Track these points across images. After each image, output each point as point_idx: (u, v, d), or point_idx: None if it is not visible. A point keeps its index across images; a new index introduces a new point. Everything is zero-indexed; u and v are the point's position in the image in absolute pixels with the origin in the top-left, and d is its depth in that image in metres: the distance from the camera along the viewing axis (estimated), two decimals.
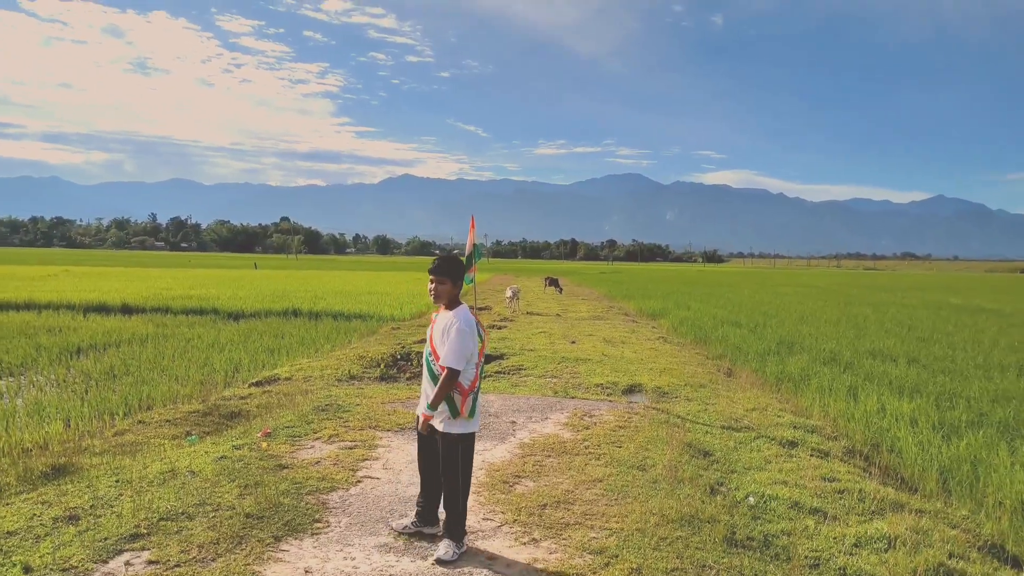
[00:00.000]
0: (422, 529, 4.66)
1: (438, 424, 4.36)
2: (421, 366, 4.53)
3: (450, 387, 4.27)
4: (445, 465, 4.40)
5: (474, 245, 10.15)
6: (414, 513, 4.74)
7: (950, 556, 4.64)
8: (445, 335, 4.32)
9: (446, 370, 4.25)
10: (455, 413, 4.34)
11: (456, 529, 4.42)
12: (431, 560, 4.27)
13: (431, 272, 4.44)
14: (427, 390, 4.45)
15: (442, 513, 4.55)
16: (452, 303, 4.45)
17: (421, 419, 4.46)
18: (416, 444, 4.71)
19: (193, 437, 7.28)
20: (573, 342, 15.70)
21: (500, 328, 18.39)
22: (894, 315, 25.02)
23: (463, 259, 10.45)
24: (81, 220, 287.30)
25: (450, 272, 4.41)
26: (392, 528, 4.67)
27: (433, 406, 4.34)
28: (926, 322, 22.24)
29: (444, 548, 4.34)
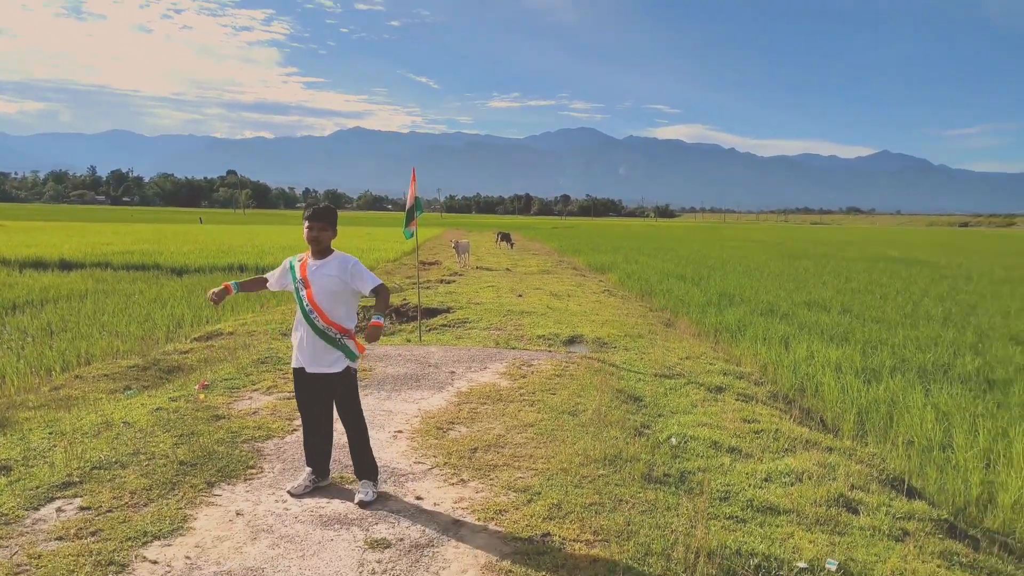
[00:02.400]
0: (319, 483, 4.68)
1: (337, 367, 4.43)
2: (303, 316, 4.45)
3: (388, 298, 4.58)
4: (350, 406, 4.54)
5: (415, 198, 10.15)
6: (307, 472, 4.65)
7: (851, 488, 4.98)
8: (347, 276, 4.42)
9: (381, 285, 4.46)
10: (353, 356, 4.51)
11: (372, 468, 4.63)
12: (357, 500, 4.43)
13: (313, 219, 4.45)
14: (309, 343, 4.42)
15: (334, 463, 4.79)
16: (327, 251, 4.53)
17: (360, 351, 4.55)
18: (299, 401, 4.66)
19: (132, 391, 7.28)
20: (520, 295, 15.89)
21: (449, 283, 18.49)
22: (833, 268, 25.81)
23: (405, 213, 10.45)
24: (16, 173, 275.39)
25: (332, 219, 4.53)
26: (290, 492, 4.53)
27: (381, 312, 4.43)
28: (863, 274, 23.02)
29: (367, 490, 4.50)
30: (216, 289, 4.64)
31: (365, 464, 4.61)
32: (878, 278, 22.04)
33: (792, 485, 4.99)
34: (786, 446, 5.88)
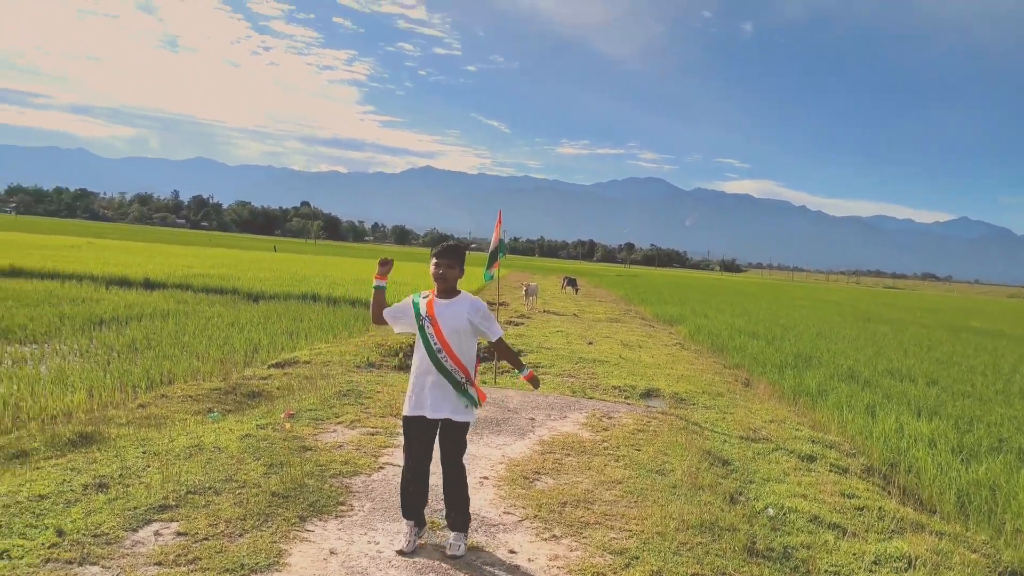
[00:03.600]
0: (421, 534, 4.46)
1: (458, 416, 4.30)
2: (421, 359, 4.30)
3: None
4: (458, 457, 4.36)
5: (499, 241, 10.17)
6: (409, 526, 4.39)
7: None
8: (477, 319, 4.30)
9: (502, 338, 4.43)
10: (476, 403, 4.38)
11: (467, 521, 4.42)
12: (449, 554, 4.25)
13: (441, 255, 4.30)
14: (433, 388, 4.25)
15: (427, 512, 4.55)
16: (454, 291, 4.38)
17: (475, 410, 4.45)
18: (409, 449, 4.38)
19: (215, 414, 7.37)
20: (590, 343, 15.71)
21: (517, 325, 18.43)
22: (913, 335, 24.83)
23: (487, 254, 10.47)
24: (105, 193, 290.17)
25: (460, 257, 4.38)
26: (400, 552, 4.26)
27: (521, 366, 4.57)
28: (946, 344, 22.05)
29: (459, 543, 4.31)
30: (386, 259, 4.50)
31: (462, 515, 4.39)
32: (962, 349, 21.08)
33: (906, 571, 4.66)
34: (892, 527, 5.53)
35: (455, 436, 4.33)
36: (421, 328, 4.31)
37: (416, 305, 4.38)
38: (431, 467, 4.42)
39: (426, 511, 4.60)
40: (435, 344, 4.25)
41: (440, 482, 4.47)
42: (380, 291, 4.44)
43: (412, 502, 4.36)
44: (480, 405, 4.44)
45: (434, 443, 4.37)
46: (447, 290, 4.37)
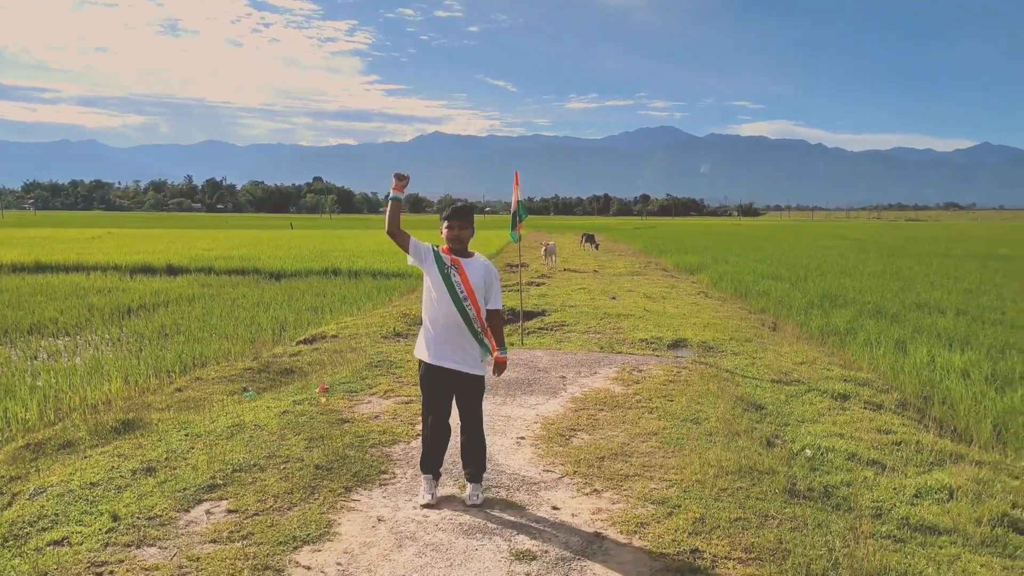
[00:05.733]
0: (437, 485, 4.63)
1: (475, 370, 4.43)
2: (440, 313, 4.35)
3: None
4: (477, 410, 4.54)
5: (518, 202, 10.12)
6: (428, 479, 4.56)
7: (1013, 506, 4.62)
8: (491, 279, 4.45)
9: (500, 310, 4.48)
10: (490, 351, 4.54)
11: (483, 471, 4.63)
12: (469, 504, 4.45)
13: (453, 217, 4.37)
14: (446, 336, 4.35)
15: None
16: (468, 251, 4.48)
17: (492, 360, 4.56)
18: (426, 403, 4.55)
19: (250, 393, 7.48)
20: (613, 298, 15.70)
21: (539, 285, 18.44)
22: (939, 267, 24.54)
23: (509, 216, 10.44)
24: (119, 183, 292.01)
25: (471, 217, 4.47)
26: (424, 505, 4.43)
27: (502, 345, 4.57)
28: (973, 274, 21.77)
29: (477, 492, 4.52)
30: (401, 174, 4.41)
31: (480, 468, 4.59)
32: (990, 277, 20.81)
33: (947, 501, 4.68)
34: (931, 459, 5.53)
35: (474, 389, 4.49)
36: (447, 276, 4.35)
37: (437, 255, 4.41)
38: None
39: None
40: (462, 292, 4.32)
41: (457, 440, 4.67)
42: (396, 202, 4.40)
43: (434, 453, 4.55)
44: (490, 354, 4.56)
45: (452, 395, 4.50)
46: (462, 251, 4.45)
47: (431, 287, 4.40)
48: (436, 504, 4.47)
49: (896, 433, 6.15)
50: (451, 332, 4.35)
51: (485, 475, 4.71)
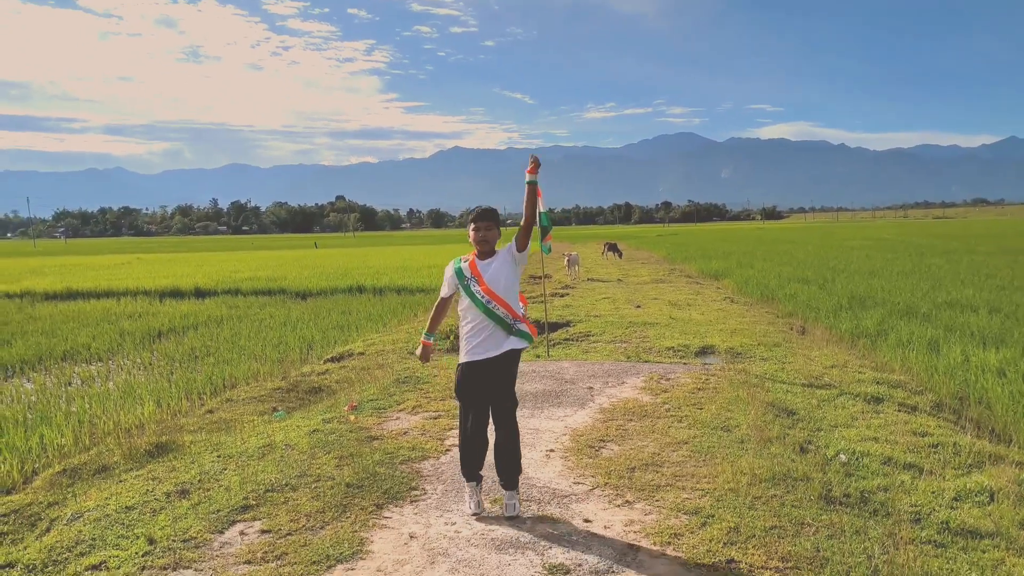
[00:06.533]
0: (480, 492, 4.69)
1: (513, 344, 4.49)
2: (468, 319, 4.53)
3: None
4: (510, 401, 4.54)
5: (541, 213, 10.12)
6: (472, 487, 4.61)
7: None
8: (508, 257, 4.54)
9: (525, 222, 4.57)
10: (530, 338, 4.60)
11: (518, 474, 4.61)
12: (507, 515, 4.45)
13: (479, 219, 4.51)
14: (482, 335, 4.46)
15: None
16: (494, 252, 4.59)
17: (528, 327, 4.61)
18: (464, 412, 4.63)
19: (280, 413, 7.54)
20: (638, 306, 15.62)
21: (562, 296, 18.41)
22: (969, 264, 24.13)
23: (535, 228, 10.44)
24: (147, 209, 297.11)
25: (497, 219, 4.60)
26: (476, 516, 4.51)
27: (530, 220, 4.57)
28: (1004, 270, 21.37)
29: (513, 500, 4.52)
30: (419, 351, 4.81)
31: (515, 471, 4.57)
32: (1022, 273, 20.40)
33: (988, 504, 4.57)
34: (969, 461, 5.42)
35: (510, 366, 4.51)
36: (467, 287, 4.51)
37: (459, 271, 4.58)
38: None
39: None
40: (483, 299, 4.44)
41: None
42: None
43: (473, 460, 4.59)
44: (532, 340, 4.65)
45: (501, 380, 4.51)
46: (488, 252, 4.58)
47: (463, 298, 4.57)
48: (483, 512, 4.53)
49: (932, 435, 6.04)
50: (486, 331, 4.48)
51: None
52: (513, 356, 4.53)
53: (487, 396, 4.54)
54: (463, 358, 4.55)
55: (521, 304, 4.64)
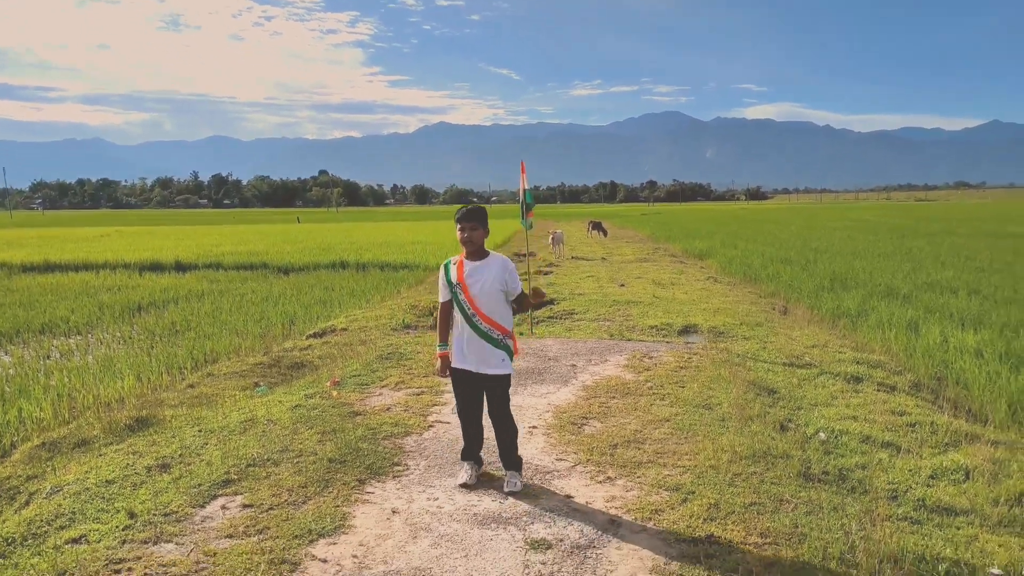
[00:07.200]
0: (480, 471, 4.83)
1: (498, 370, 4.49)
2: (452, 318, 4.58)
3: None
4: (503, 406, 4.59)
5: (525, 191, 10.10)
6: (469, 464, 4.76)
7: None
8: (507, 275, 4.47)
9: (522, 292, 4.57)
10: (512, 356, 4.58)
11: (519, 462, 4.72)
12: (506, 491, 4.51)
13: (463, 219, 4.43)
14: (471, 344, 4.46)
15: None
16: (483, 251, 4.51)
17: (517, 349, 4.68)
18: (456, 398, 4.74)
19: (262, 388, 7.50)
20: (622, 285, 15.67)
21: (547, 274, 18.42)
22: (950, 246, 24.38)
23: (514, 205, 10.44)
24: (126, 180, 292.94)
25: (482, 218, 4.48)
26: (461, 486, 4.63)
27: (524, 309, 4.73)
28: (984, 252, 21.62)
29: (515, 480, 4.59)
30: (438, 367, 4.70)
31: (513, 459, 4.68)
32: (1002, 256, 20.64)
33: (963, 482, 4.65)
34: (946, 440, 5.50)
35: (499, 388, 4.56)
36: (455, 295, 4.50)
37: (448, 271, 4.57)
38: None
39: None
40: (469, 310, 4.44)
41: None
42: (444, 336, 4.76)
43: (471, 446, 4.74)
44: (513, 358, 4.65)
45: (481, 393, 4.60)
46: (475, 252, 4.50)
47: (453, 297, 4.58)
48: (475, 483, 4.64)
49: (910, 415, 6.12)
50: (471, 340, 4.48)
51: (525, 473, 4.80)
52: (500, 380, 4.54)
53: (479, 397, 4.64)
54: (453, 361, 4.59)
55: (510, 320, 4.60)
